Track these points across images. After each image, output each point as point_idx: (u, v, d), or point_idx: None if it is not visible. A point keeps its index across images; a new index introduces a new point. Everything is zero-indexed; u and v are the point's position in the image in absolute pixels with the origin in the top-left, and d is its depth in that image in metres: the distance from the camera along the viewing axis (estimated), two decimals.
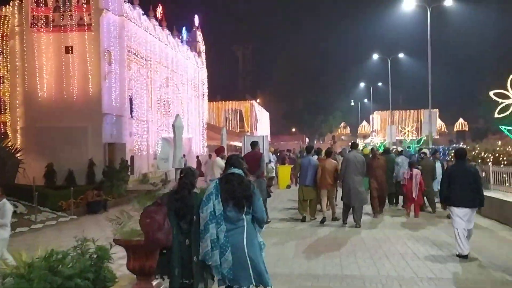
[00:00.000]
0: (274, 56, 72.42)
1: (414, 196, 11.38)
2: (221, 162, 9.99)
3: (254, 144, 10.55)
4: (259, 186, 7.73)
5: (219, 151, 10.89)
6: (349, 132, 77.50)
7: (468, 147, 15.06)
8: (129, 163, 22.25)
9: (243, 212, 4.19)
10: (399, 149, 18.61)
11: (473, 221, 7.21)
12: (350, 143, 12.78)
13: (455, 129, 70.40)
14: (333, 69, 57.40)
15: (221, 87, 62.36)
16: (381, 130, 66.30)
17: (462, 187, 7.05)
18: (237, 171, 4.41)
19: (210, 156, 24.12)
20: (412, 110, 69.68)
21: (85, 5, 20.88)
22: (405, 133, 34.38)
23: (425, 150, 14.35)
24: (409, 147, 24.59)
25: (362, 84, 58.27)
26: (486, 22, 54.56)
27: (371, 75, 55.99)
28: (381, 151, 16.11)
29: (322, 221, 10.68)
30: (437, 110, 24.14)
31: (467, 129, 71.05)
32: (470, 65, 63.02)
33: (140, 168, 24.38)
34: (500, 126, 13.85)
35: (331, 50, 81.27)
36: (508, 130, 13.37)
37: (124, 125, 22.60)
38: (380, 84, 56.33)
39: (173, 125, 11.82)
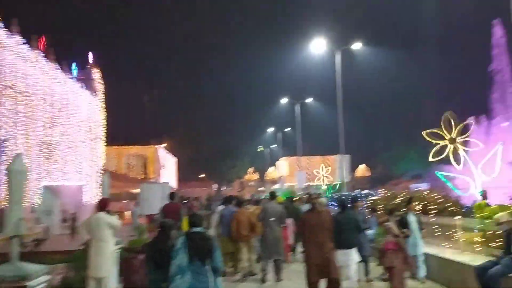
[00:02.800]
0: (182, 100, 70.40)
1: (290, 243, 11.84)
2: (108, 219, 7.15)
3: (172, 196, 10.48)
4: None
5: (103, 204, 7.77)
6: (258, 177, 76.70)
7: (389, 194, 13.89)
8: None
9: (205, 264, 4.88)
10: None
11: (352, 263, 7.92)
12: (269, 192, 11.68)
13: (357, 175, 72.96)
14: (241, 113, 56.72)
15: (125, 131, 58.26)
16: (289, 176, 66.25)
17: (345, 232, 7.79)
18: (199, 229, 5.12)
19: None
20: (318, 156, 71.15)
21: None
22: (320, 177, 33.84)
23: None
24: (326, 195, 23.41)
25: (270, 129, 57.94)
26: (394, 67, 58.05)
27: (280, 120, 56.04)
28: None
29: (245, 276, 10.11)
30: (349, 155, 23.32)
31: (368, 175, 74.06)
32: (377, 111, 66.33)
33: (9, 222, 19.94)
34: (436, 172, 12.84)
35: (240, 93, 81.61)
36: (445, 176, 12.37)
37: None
38: (289, 129, 56.48)
39: (7, 169, 6.80)
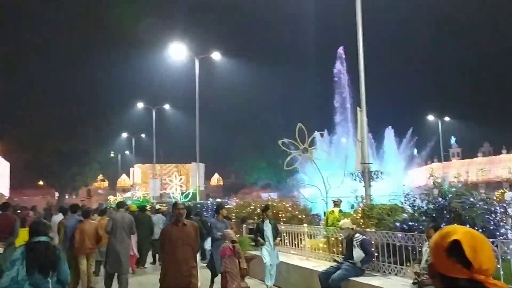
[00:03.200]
0: (20, 97, 62.64)
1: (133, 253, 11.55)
2: None
3: (4, 207, 9.36)
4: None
5: None
6: (107, 185, 72.32)
7: (242, 203, 14.14)
8: None
9: (48, 277, 4.43)
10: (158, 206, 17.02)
11: None
12: (116, 202, 10.37)
13: (211, 183, 74.00)
14: (91, 116, 52.27)
15: None
16: (142, 183, 63.93)
17: None
18: (43, 238, 4.62)
19: None
20: (173, 164, 70.23)
21: None
22: (173, 186, 33.09)
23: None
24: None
25: (124, 135, 55.04)
26: (252, 79, 59.94)
27: (135, 125, 53.62)
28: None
29: None
30: (204, 164, 23.32)
31: (221, 184, 75.72)
32: (231, 121, 67.85)
33: None
34: (289, 181, 13.36)
35: (92, 94, 75.69)
36: (297, 185, 12.94)
37: None
38: (143, 135, 54.49)
39: None
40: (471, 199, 5.85)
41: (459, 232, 1.57)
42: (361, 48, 10.82)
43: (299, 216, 10.77)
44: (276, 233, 8.82)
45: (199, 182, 22.22)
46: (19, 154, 52.47)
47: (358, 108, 10.33)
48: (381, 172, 10.08)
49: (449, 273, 1.50)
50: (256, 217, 11.97)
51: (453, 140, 50.60)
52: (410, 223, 6.47)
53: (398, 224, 6.92)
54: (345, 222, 6.93)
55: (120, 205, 10.18)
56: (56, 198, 60.00)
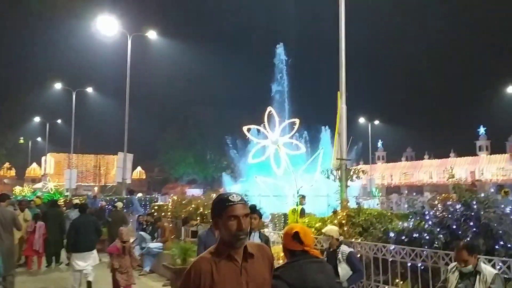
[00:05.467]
0: None
1: (37, 249, 11.41)
2: None
3: None
4: None
5: None
6: (14, 175, 65.48)
7: (180, 200, 12.25)
8: None
9: None
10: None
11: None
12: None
13: (132, 177, 69.98)
14: None
15: None
16: (55, 174, 58.56)
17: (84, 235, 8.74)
18: None
19: None
20: (92, 154, 65.26)
21: None
22: (93, 178, 29.91)
23: (119, 203, 13.45)
24: (94, 197, 20.24)
25: (37, 119, 49.52)
26: (191, 64, 55.64)
27: (50, 109, 48.33)
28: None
29: None
30: (132, 154, 20.85)
31: (144, 178, 71.92)
32: (161, 110, 63.81)
33: None
34: (255, 176, 11.60)
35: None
36: (264, 182, 11.25)
37: None
38: (59, 121, 49.44)
39: None
40: (508, 210, 4.72)
41: (297, 227, 3.19)
42: (343, 33, 9.57)
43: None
44: None
45: (127, 174, 19.83)
46: None
47: (338, 94, 8.97)
48: (363, 171, 8.87)
49: (293, 248, 3.06)
50: (199, 218, 10.21)
51: (380, 143, 52.11)
52: (415, 235, 5.19)
53: (392, 234, 5.62)
54: (332, 229, 5.50)
55: (3, 197, 8.69)
56: None
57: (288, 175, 9.28)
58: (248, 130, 10.56)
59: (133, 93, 22.05)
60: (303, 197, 9.31)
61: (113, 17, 20.25)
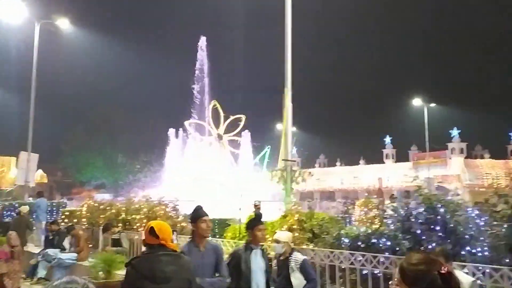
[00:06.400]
0: None
1: None
2: None
3: None
4: None
5: None
6: None
7: (96, 205, 11.00)
8: None
9: None
10: None
11: None
12: None
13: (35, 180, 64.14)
14: None
15: None
16: None
17: None
18: None
19: None
20: None
21: None
22: None
23: (23, 207, 12.20)
24: None
25: None
26: (105, 57, 50.77)
27: None
28: None
29: None
30: (38, 154, 18.65)
31: (46, 181, 66.23)
32: (68, 108, 58.44)
33: None
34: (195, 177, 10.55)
35: None
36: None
37: None
38: None
39: None
40: (474, 214, 4.55)
41: (153, 222, 3.46)
42: (289, 27, 9.23)
43: (182, 225, 8.43)
44: (267, 273, 4.81)
45: (31, 176, 17.70)
46: None
47: (286, 91, 8.52)
48: (309, 173, 8.50)
49: (150, 242, 3.31)
50: (121, 225, 9.18)
51: (294, 150, 53.22)
52: (373, 241, 4.88)
53: (347, 240, 5.28)
54: (287, 235, 5.00)
55: None
56: None
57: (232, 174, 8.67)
58: (190, 124, 9.73)
59: (36, 88, 19.78)
60: (258, 202, 8.76)
61: (19, 1, 17.93)
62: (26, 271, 10.54)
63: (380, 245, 4.85)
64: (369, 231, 5.10)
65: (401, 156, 46.63)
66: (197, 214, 4.39)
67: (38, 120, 20.45)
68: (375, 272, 4.76)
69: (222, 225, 9.62)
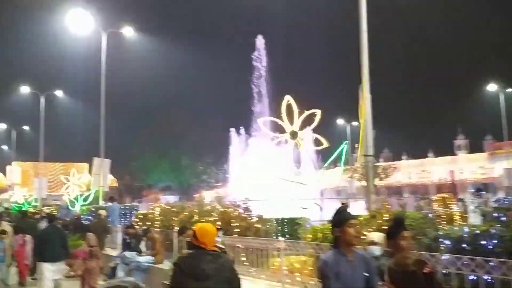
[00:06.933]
0: None
1: (28, 262, 11.19)
2: None
3: None
4: None
5: None
6: None
7: (169, 208, 11.08)
8: None
9: None
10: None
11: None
12: None
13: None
14: None
15: None
16: (22, 184, 55.72)
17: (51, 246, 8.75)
18: None
19: None
20: (59, 162, 62.27)
21: None
22: (69, 185, 28.09)
23: (102, 211, 12.88)
24: (69, 207, 18.77)
25: (2, 126, 46.82)
26: (168, 62, 52.25)
27: (16, 115, 45.65)
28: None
29: None
30: (110, 160, 19.38)
31: (116, 185, 69.27)
32: (135, 114, 60.66)
33: None
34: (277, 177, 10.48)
35: None
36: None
37: None
38: (26, 127, 46.91)
39: None
40: None
41: (197, 227, 3.92)
42: (364, 10, 8.73)
43: (257, 226, 8.19)
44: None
45: (104, 181, 18.41)
46: None
47: (364, 82, 8.06)
48: (395, 167, 8.01)
49: (194, 243, 3.70)
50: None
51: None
52: (483, 242, 4.32)
53: (448, 242, 4.72)
54: (380, 236, 4.55)
55: None
56: None
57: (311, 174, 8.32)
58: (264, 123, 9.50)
59: (105, 96, 20.58)
60: (346, 202, 8.36)
61: (86, 12, 18.72)
62: (106, 273, 10.86)
63: (490, 247, 4.28)
64: (477, 231, 4.52)
65: (475, 147, 43.73)
66: (344, 217, 3.66)
67: (108, 126, 21.31)
68: (486, 278, 4.19)
69: (291, 224, 9.22)
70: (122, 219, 14.83)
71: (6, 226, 9.72)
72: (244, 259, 7.63)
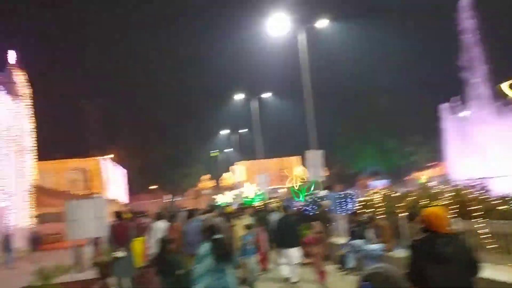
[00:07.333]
0: (128, 109, 64.60)
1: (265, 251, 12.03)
2: None
3: (119, 215, 10.94)
4: (128, 259, 9.70)
5: None
6: (212, 185, 72.71)
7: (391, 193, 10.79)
8: None
9: (229, 264, 5.94)
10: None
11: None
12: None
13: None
14: (190, 116, 52.11)
15: (63, 145, 52.65)
16: (246, 181, 62.87)
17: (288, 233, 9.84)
18: (218, 236, 6.13)
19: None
20: (274, 158, 67.91)
21: None
22: (292, 179, 30.86)
23: (325, 202, 13.66)
24: (293, 198, 20.16)
25: (225, 131, 54.18)
26: (362, 46, 52.47)
27: (234, 120, 52.18)
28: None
29: None
30: (322, 150, 20.16)
31: (328, 174, 71.56)
32: (336, 103, 62.20)
33: None
34: None
35: (188, 93, 75.65)
36: None
37: None
38: (243, 130, 53.02)
39: None
40: None
41: (430, 211, 3.87)
42: None
43: (501, 208, 7.20)
44: None
45: (319, 171, 19.21)
46: (133, 161, 54.29)
47: None
48: None
49: (426, 226, 3.73)
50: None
51: None
52: None
53: None
54: None
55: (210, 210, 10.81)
56: (167, 201, 61.40)
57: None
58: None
59: (310, 89, 21.39)
60: None
61: (283, 13, 19.86)
62: (335, 261, 11.23)
63: None
64: None
65: None
66: None
67: (316, 118, 22.16)
68: None
69: None
70: (339, 208, 15.10)
71: (250, 219, 10.85)
72: (489, 246, 6.80)
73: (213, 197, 61.01)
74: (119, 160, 53.66)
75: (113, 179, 48.69)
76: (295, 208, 16.82)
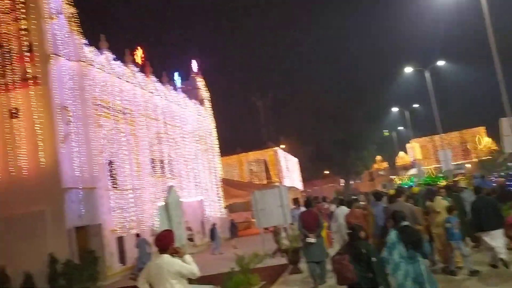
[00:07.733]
0: (294, 98, 66.44)
1: None
2: (176, 266, 5.65)
3: (309, 203, 11.30)
4: (319, 245, 10.03)
5: (164, 242, 6.18)
6: (386, 165, 70.00)
7: None
8: (115, 248, 17.15)
9: (419, 251, 6.00)
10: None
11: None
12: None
13: None
14: (358, 98, 50.86)
15: (240, 140, 57.14)
16: (423, 159, 58.85)
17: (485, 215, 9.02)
18: (406, 223, 6.38)
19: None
20: (454, 132, 61.74)
21: (27, 53, 16.11)
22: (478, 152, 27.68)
23: None
24: (482, 176, 18.01)
25: (395, 109, 51.43)
26: None
27: (405, 95, 49.05)
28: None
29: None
30: None
31: None
32: None
33: (133, 251, 18.44)
34: None
35: (352, 72, 74.12)
36: None
37: (99, 200, 17.19)
38: (416, 105, 49.61)
39: (165, 203, 10.09)
40: None
41: None
42: None
43: None
44: None
45: None
46: (303, 149, 55.92)
47: None
48: None
49: None
50: None
51: None
52: None
53: None
54: None
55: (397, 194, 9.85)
56: (342, 185, 61.53)
57: None
58: None
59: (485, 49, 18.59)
60: None
61: None
62: None
63: None
64: None
65: None
66: None
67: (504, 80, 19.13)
68: None
69: None
70: None
71: (442, 201, 9.97)
72: None
73: (390, 177, 58.90)
74: (290, 150, 55.77)
75: (288, 168, 50.86)
76: (494, 184, 15.18)
